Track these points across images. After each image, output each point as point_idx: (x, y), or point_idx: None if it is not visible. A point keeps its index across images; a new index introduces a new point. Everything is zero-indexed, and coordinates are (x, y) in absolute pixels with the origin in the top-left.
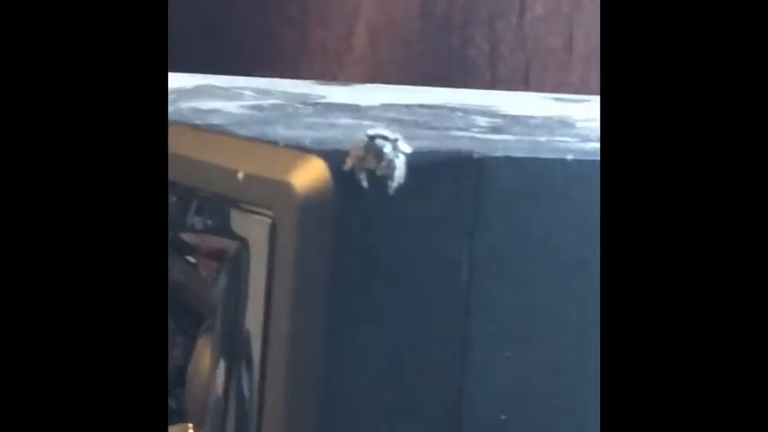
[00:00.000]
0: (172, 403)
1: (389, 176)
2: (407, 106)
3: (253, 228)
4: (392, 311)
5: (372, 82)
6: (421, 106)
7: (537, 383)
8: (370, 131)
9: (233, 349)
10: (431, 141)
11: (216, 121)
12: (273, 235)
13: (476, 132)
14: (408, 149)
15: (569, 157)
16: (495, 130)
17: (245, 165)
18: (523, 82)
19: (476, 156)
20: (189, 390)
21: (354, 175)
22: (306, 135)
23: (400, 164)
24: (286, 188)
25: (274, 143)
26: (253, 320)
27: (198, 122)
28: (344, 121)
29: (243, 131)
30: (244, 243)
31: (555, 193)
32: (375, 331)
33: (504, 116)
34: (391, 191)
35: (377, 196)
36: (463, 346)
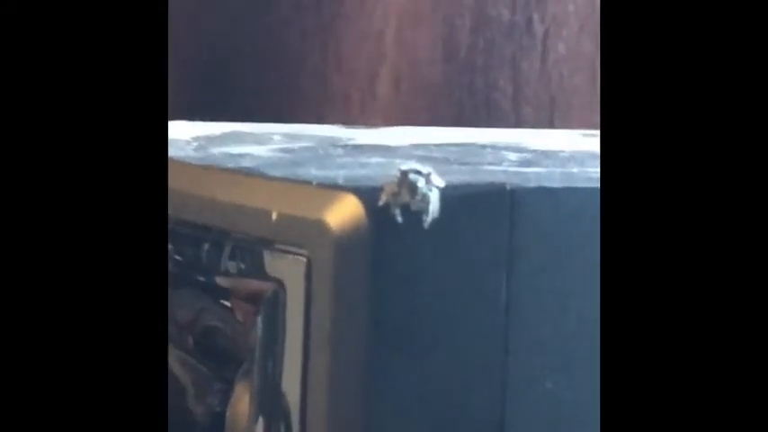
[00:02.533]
0: None
1: (424, 211)
2: (437, 145)
3: (289, 268)
4: (431, 346)
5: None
6: (450, 144)
7: (579, 413)
8: (403, 166)
9: (271, 392)
10: (464, 175)
11: (248, 164)
12: (309, 274)
13: (507, 166)
14: (442, 183)
15: None
16: (526, 163)
17: (279, 205)
18: (549, 122)
19: (509, 187)
20: None
21: (389, 211)
22: (338, 174)
23: (434, 198)
24: (321, 227)
25: (307, 182)
26: (291, 362)
27: (230, 166)
28: (376, 159)
29: (275, 173)
30: (280, 284)
31: (590, 221)
32: (414, 367)
33: (534, 151)
34: (426, 225)
35: (412, 231)
36: (503, 379)
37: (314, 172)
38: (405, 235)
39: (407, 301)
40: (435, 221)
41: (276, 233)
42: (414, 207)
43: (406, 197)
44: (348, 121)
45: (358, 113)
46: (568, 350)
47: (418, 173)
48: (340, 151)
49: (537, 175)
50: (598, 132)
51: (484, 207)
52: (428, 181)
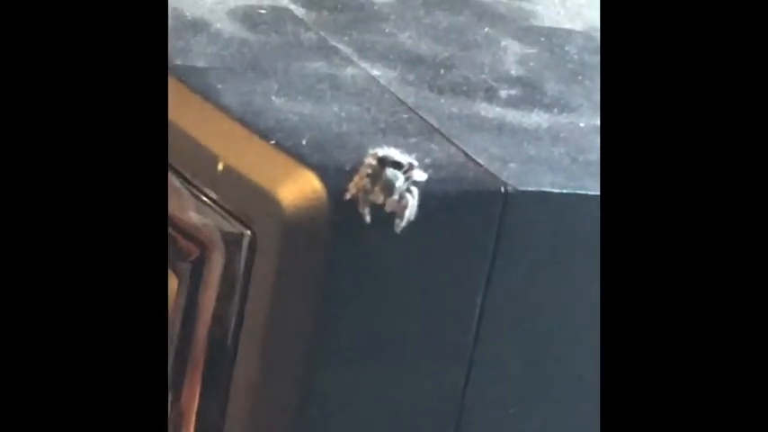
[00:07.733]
0: None
1: (399, 214)
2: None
3: (224, 237)
4: (384, 363)
5: None
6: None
7: None
8: (380, 152)
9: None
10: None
11: (199, 60)
12: (252, 251)
13: (503, 106)
14: (424, 176)
15: None
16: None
17: (227, 155)
18: None
19: (504, 189)
20: None
21: (356, 207)
22: (302, 130)
23: (413, 201)
24: (269, 201)
25: (265, 137)
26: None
27: (177, 62)
28: (352, 71)
29: (228, 92)
30: (207, 249)
31: (588, 232)
32: (362, 383)
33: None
34: (399, 230)
35: (381, 232)
36: (461, 404)
37: (276, 100)
38: (371, 235)
39: (361, 308)
40: (411, 224)
41: (217, 185)
42: (388, 209)
43: (379, 197)
44: None
45: None
46: (536, 378)
47: (397, 165)
48: (312, 37)
49: (537, 145)
50: None
51: (471, 211)
52: (408, 178)
